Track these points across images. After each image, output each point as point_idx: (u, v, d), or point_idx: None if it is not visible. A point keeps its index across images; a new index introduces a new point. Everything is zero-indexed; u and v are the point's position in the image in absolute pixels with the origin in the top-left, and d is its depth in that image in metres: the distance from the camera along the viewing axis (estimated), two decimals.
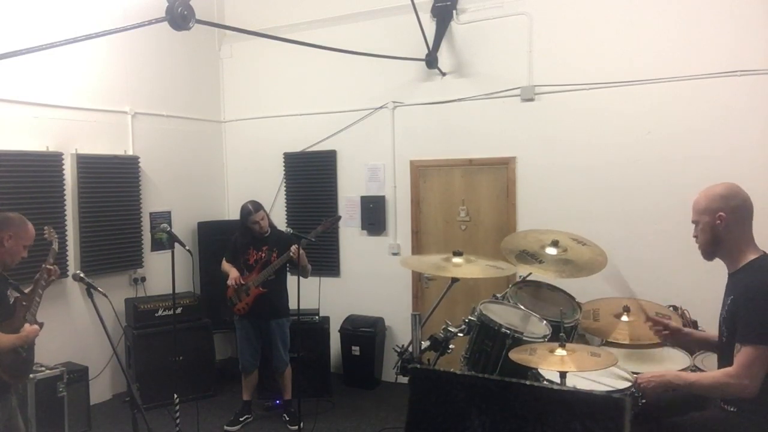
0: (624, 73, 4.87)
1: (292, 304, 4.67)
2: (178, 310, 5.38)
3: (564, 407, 1.73)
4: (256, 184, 6.54)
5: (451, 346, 3.21)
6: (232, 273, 4.84)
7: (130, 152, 5.78)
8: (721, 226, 2.51)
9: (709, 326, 3.51)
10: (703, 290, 3.71)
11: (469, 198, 5.60)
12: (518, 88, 5.29)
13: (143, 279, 5.83)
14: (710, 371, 2.76)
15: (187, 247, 4.22)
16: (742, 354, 2.35)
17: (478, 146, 5.51)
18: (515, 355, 2.78)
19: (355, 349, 5.79)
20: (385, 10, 5.83)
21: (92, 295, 2.95)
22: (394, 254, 5.93)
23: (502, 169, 5.42)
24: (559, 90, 5.13)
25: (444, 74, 5.65)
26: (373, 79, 5.97)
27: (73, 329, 5.21)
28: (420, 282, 5.80)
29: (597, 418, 1.67)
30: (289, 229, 4.72)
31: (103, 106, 5.58)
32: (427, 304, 5.65)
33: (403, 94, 5.86)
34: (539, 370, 2.91)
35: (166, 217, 6.08)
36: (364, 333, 5.77)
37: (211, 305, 5.85)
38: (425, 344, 3.14)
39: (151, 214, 5.96)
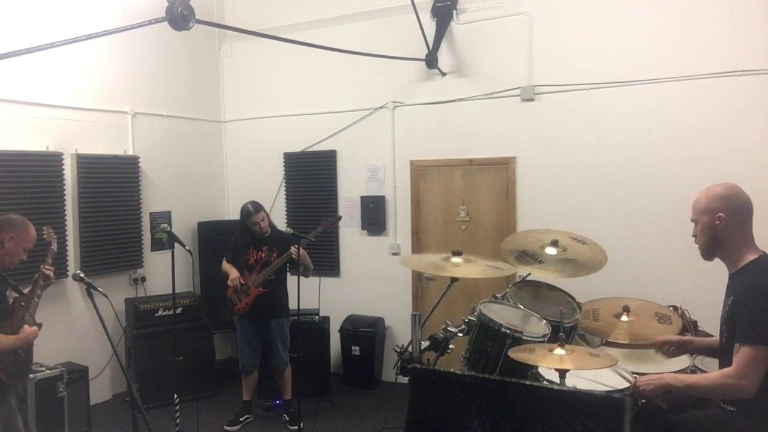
0: (624, 73, 4.87)
1: (292, 304, 4.67)
2: (178, 310, 5.38)
3: (564, 407, 1.73)
4: (256, 184, 6.54)
5: (451, 346, 3.21)
6: (232, 273, 4.84)
7: (130, 152, 5.78)
8: (720, 227, 2.51)
9: (709, 326, 3.52)
10: (703, 290, 3.71)
11: (469, 198, 5.60)
12: (518, 88, 5.29)
13: (143, 279, 5.83)
14: (709, 372, 2.76)
15: (187, 247, 4.22)
16: (741, 354, 2.35)
17: (478, 146, 5.51)
18: (515, 355, 2.77)
19: (355, 349, 5.79)
20: (385, 10, 5.83)
21: (92, 295, 2.96)
22: (394, 254, 5.93)
23: (502, 169, 5.42)
24: (559, 90, 5.13)
25: (444, 74, 5.65)
26: (373, 79, 5.97)
27: (73, 329, 5.22)
28: (420, 282, 5.80)
29: (597, 418, 1.67)
30: (289, 229, 4.71)
31: (103, 106, 5.58)
32: (427, 304, 5.65)
33: (403, 94, 5.86)
34: (539, 370, 2.91)
35: (166, 217, 6.08)
36: (364, 333, 5.77)
37: (211, 305, 5.85)
38: (425, 344, 3.14)
39: (151, 214, 5.96)
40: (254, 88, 6.70)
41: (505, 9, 5.34)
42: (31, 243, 3.28)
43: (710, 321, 3.19)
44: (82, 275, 3.05)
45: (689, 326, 3.69)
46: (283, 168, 6.52)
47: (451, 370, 2.11)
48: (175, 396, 4.17)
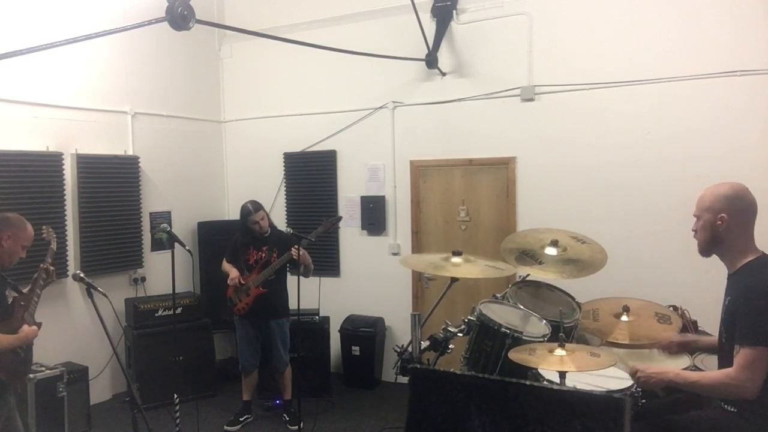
0: (624, 73, 4.87)
1: (292, 304, 4.67)
2: (178, 310, 5.37)
3: (564, 407, 1.72)
4: (256, 184, 6.54)
5: (450, 346, 3.21)
6: (232, 273, 4.84)
7: (130, 152, 5.78)
8: (721, 227, 2.51)
9: (709, 326, 3.52)
10: (703, 290, 3.71)
11: (469, 198, 5.60)
12: (518, 88, 5.29)
13: (143, 279, 5.83)
14: (711, 371, 2.75)
15: (187, 247, 4.22)
16: (741, 356, 2.34)
17: (478, 146, 5.51)
18: (515, 355, 2.77)
19: (355, 349, 5.79)
20: (385, 10, 5.83)
21: (92, 295, 2.96)
22: (394, 254, 5.93)
23: (502, 169, 5.42)
24: (559, 90, 5.13)
25: (444, 74, 5.65)
26: (373, 79, 5.97)
27: (73, 329, 5.22)
28: (420, 282, 5.80)
29: (597, 418, 1.67)
30: (289, 229, 4.72)
31: (103, 106, 5.58)
32: (427, 304, 5.65)
33: (403, 94, 5.86)
34: (539, 370, 2.91)
35: (166, 217, 6.08)
36: (364, 333, 5.77)
37: (211, 305, 5.85)
38: (425, 344, 3.14)
39: (151, 214, 5.96)
40: (254, 88, 6.70)
41: (505, 9, 5.34)
42: (29, 241, 3.28)
43: (710, 321, 3.19)
44: (82, 275, 3.05)
45: (689, 326, 3.69)
46: (283, 168, 6.52)
47: (451, 370, 2.11)
48: (175, 396, 4.17)
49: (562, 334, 2.84)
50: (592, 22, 5.01)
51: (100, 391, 5.43)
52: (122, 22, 3.88)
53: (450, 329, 3.22)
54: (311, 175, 6.39)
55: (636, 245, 4.79)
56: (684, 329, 3.53)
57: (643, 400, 2.69)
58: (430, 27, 5.55)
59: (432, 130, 5.74)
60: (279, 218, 6.33)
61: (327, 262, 6.21)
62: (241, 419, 4.98)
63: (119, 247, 5.59)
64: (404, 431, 2.00)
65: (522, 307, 3.59)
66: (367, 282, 6.10)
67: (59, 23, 5.05)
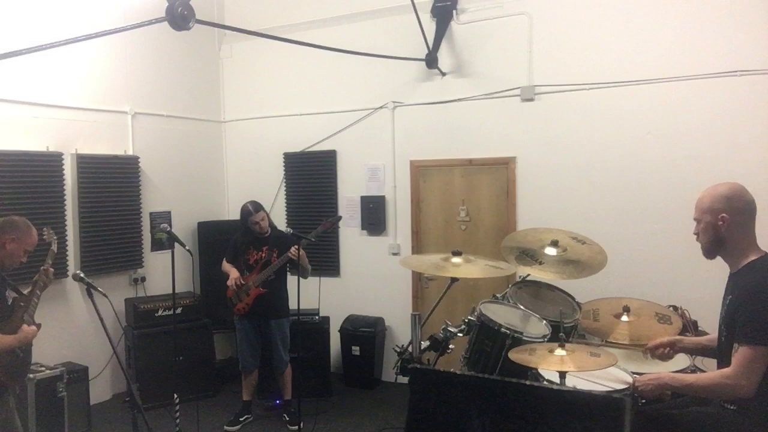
0: (624, 73, 4.87)
1: (292, 304, 4.67)
2: (178, 310, 5.37)
3: (564, 407, 1.73)
4: (256, 184, 6.54)
5: (451, 346, 3.21)
6: (233, 273, 4.84)
7: (130, 152, 5.78)
8: (723, 227, 2.51)
9: (709, 326, 3.51)
10: (703, 290, 3.71)
11: (469, 198, 5.60)
12: (518, 88, 5.29)
13: (143, 279, 5.83)
14: (707, 372, 2.75)
15: (187, 247, 4.23)
16: (740, 354, 2.34)
17: (478, 146, 5.51)
18: (515, 355, 2.77)
19: (355, 349, 5.79)
20: (385, 10, 5.83)
21: (92, 295, 2.96)
22: (394, 254, 5.93)
23: (502, 169, 5.41)
24: (559, 90, 5.13)
25: (444, 74, 5.65)
26: (373, 79, 5.97)
27: (73, 329, 5.21)
28: (420, 282, 5.80)
29: (597, 418, 1.67)
30: (289, 229, 4.72)
31: (103, 106, 5.58)
32: (427, 304, 5.65)
33: (403, 94, 5.86)
34: (539, 370, 2.91)
35: (166, 217, 6.08)
36: (364, 333, 5.77)
37: (211, 305, 5.85)
38: (425, 344, 3.15)
39: (151, 214, 5.96)
40: (254, 88, 6.70)
41: (505, 9, 5.34)
42: (32, 246, 3.28)
43: (710, 321, 3.19)
44: (82, 275, 3.05)
45: (689, 326, 3.69)
46: (283, 168, 6.52)
47: (451, 370, 2.11)
48: (175, 396, 4.16)
49: (562, 334, 2.84)
50: (592, 22, 5.01)
51: (100, 391, 5.42)
52: (122, 22, 3.89)
53: (450, 329, 3.23)
54: (311, 175, 6.38)
55: (636, 245, 4.79)
56: (684, 329, 3.52)
57: (643, 401, 2.69)
58: (430, 27, 5.55)
59: (432, 130, 5.73)
60: (279, 218, 6.33)
61: (327, 262, 6.21)
62: (241, 419, 4.98)
63: (119, 247, 5.59)
64: (404, 431, 2.00)
65: (522, 307, 3.59)
66: (367, 282, 6.10)
67: (59, 23, 5.05)
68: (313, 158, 6.36)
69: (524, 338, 3.18)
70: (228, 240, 5.10)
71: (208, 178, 6.76)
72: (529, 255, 3.69)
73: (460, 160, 5.60)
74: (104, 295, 2.99)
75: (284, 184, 6.54)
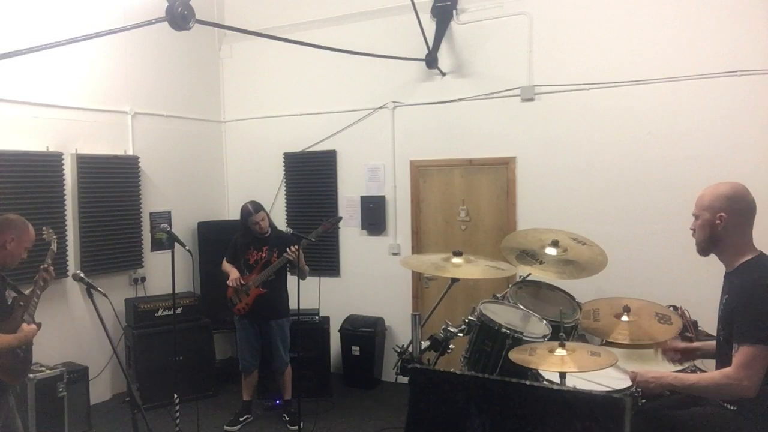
0: (624, 73, 4.87)
1: (292, 304, 4.67)
2: (178, 310, 5.37)
3: (564, 407, 1.72)
4: (256, 184, 6.54)
5: (451, 346, 3.21)
6: (233, 273, 4.84)
7: (130, 152, 5.78)
8: (720, 226, 2.51)
9: (709, 326, 3.51)
10: (703, 290, 3.70)
11: (469, 198, 5.60)
12: (518, 88, 5.29)
13: (143, 279, 5.83)
14: (709, 372, 2.75)
15: (187, 247, 4.22)
16: (740, 354, 2.34)
17: (478, 146, 5.50)
18: (515, 356, 2.77)
19: (355, 349, 5.79)
20: (385, 10, 5.82)
21: (92, 295, 2.96)
22: (394, 254, 5.93)
23: (502, 169, 5.41)
24: (559, 90, 5.13)
25: (444, 74, 5.65)
26: (373, 79, 5.97)
27: (73, 329, 5.21)
28: (420, 282, 5.80)
29: (597, 418, 1.67)
30: (289, 230, 4.72)
31: (103, 106, 5.58)
32: (427, 304, 5.65)
33: (403, 94, 5.86)
34: (539, 371, 2.91)
35: (166, 217, 6.08)
36: (364, 333, 5.77)
37: (211, 305, 5.85)
38: (425, 344, 3.15)
39: (151, 214, 5.96)
40: (254, 88, 6.70)
41: (505, 9, 5.34)
42: (31, 242, 3.30)
43: (710, 321, 3.18)
44: (82, 275, 3.05)
45: (689, 326, 3.69)
46: (283, 168, 6.52)
47: (451, 370, 2.11)
48: (175, 396, 4.16)
49: (562, 334, 2.84)
50: (592, 22, 5.01)
51: (100, 391, 5.42)
52: (122, 22, 3.89)
53: (450, 329, 3.23)
54: (311, 175, 6.38)
55: (636, 245, 4.79)
56: (684, 329, 3.53)
57: (644, 400, 2.69)
58: (430, 27, 5.55)
59: (432, 130, 5.73)
60: (279, 218, 6.33)
61: (327, 262, 6.21)
62: (241, 419, 4.98)
63: (119, 247, 5.59)
64: (404, 431, 2.00)
65: (522, 307, 3.59)
66: (367, 282, 6.10)
67: (59, 23, 5.05)
68: (313, 158, 6.35)
69: (524, 338, 3.18)
70: (228, 240, 5.10)
71: (208, 178, 6.76)
72: (529, 255, 3.70)
73: (460, 160, 5.60)
74: (104, 295, 2.99)
75: (284, 184, 6.54)
